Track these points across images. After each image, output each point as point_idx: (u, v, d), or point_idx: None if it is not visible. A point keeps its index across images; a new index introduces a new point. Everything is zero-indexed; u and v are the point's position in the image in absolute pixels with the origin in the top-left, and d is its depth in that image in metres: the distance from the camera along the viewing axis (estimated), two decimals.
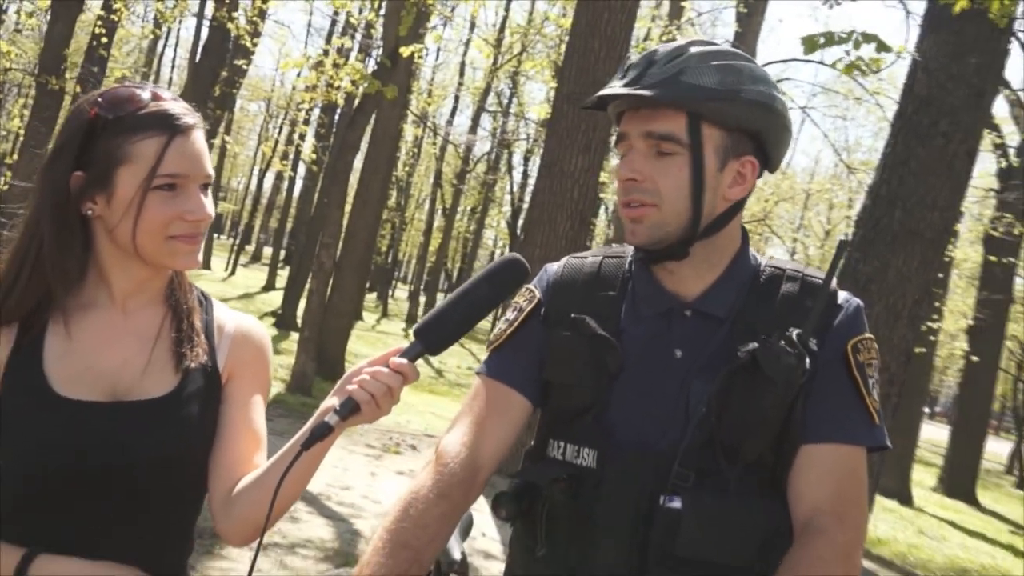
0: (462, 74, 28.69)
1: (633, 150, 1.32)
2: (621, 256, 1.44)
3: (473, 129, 28.35)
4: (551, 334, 1.39)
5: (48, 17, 12.26)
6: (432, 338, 1.29)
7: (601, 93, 1.33)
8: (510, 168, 29.32)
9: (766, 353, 1.25)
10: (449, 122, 31.00)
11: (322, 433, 1.26)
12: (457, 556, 1.88)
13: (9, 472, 1.30)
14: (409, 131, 26.80)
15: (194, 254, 1.34)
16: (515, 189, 29.06)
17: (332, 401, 1.29)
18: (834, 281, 1.35)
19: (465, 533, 2.00)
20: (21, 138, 13.47)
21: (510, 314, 1.46)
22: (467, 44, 27.06)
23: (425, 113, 26.32)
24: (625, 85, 1.31)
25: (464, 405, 1.42)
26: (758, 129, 1.31)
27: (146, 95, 1.32)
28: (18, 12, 19.21)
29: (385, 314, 32.13)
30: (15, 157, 11.36)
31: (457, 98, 30.50)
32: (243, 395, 1.42)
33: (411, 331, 1.31)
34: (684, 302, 1.36)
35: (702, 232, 1.32)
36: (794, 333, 1.27)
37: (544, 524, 1.33)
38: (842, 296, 1.36)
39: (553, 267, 1.49)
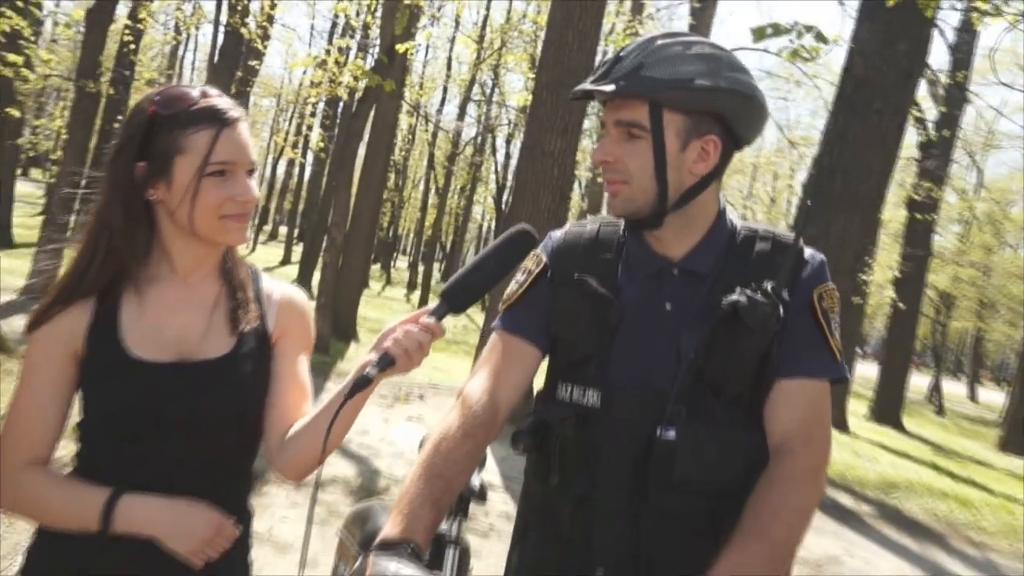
0: (449, 68, 28.30)
1: (608, 135, 1.35)
2: (616, 224, 1.46)
3: (461, 116, 28.11)
4: (557, 293, 1.41)
5: (82, 27, 11.99)
6: (457, 299, 1.30)
7: (576, 89, 1.36)
8: (494, 150, 29.11)
9: (745, 304, 1.27)
10: (439, 111, 30.70)
11: (362, 384, 1.27)
12: (476, 485, 1.92)
13: (95, 424, 1.32)
14: (404, 120, 26.51)
15: (243, 231, 1.36)
16: (499, 169, 28.88)
17: (370, 356, 1.30)
18: (783, 228, 1.39)
19: (480, 466, 2.04)
20: (63, 137, 13.25)
21: (520, 276, 1.47)
22: (453, 41, 26.68)
23: (418, 103, 26.02)
24: (595, 80, 1.33)
25: (483, 356, 1.44)
26: (718, 111, 1.31)
27: (196, 93, 1.33)
28: (55, 24, 18.82)
29: (388, 282, 32.07)
30: (59, 154, 11.17)
31: (445, 89, 30.15)
32: (290, 353, 1.44)
33: (438, 293, 1.31)
34: (672, 262, 1.38)
35: (674, 204, 1.34)
36: (768, 285, 1.30)
37: (556, 456, 1.36)
38: (807, 252, 1.38)
39: (557, 234, 1.50)
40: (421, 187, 35.02)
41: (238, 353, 1.36)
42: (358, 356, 10.55)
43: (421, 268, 30.43)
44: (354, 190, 12.44)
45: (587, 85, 1.34)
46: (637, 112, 1.30)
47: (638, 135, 1.31)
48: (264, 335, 1.41)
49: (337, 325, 11.32)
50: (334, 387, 8.33)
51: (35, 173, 36.14)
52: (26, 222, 18.55)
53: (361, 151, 13.84)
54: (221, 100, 1.34)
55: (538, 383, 1.51)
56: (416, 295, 26.93)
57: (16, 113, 12.76)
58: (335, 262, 10.50)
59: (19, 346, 6.73)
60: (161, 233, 1.36)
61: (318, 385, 8.49)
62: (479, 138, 29.16)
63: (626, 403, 1.31)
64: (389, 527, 1.16)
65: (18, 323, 8.00)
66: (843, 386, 4.65)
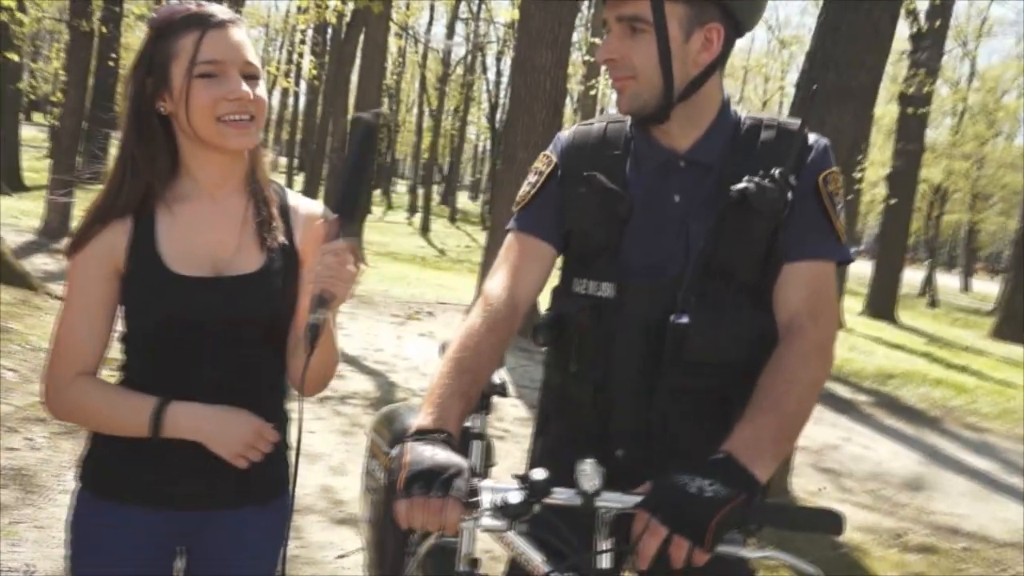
0: None
1: (611, 33, 1.33)
2: (622, 121, 1.46)
3: (450, 36, 27.38)
4: (567, 191, 1.43)
5: None
6: (348, 212, 1.24)
7: None
8: (484, 69, 28.50)
9: (754, 190, 1.29)
10: (427, 31, 29.89)
11: (316, 332, 1.21)
12: (497, 381, 1.99)
13: (138, 337, 1.37)
14: (393, 43, 25.83)
15: (245, 136, 1.33)
16: (491, 88, 28.31)
17: (305, 303, 1.26)
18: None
19: (500, 364, 2.10)
20: (61, 78, 12.98)
21: (531, 177, 1.48)
22: None
23: (406, 24, 25.28)
24: None
25: (500, 257, 1.46)
26: None
27: (189, 5, 1.34)
28: None
29: (390, 207, 31.88)
30: (59, 96, 10.98)
31: (432, 8, 29.28)
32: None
33: (329, 215, 1.24)
34: (678, 154, 1.39)
35: (680, 95, 1.33)
36: (776, 172, 1.31)
37: (574, 346, 1.41)
38: (811, 137, 1.39)
39: (564, 134, 1.50)
40: (415, 111, 34.40)
41: (269, 268, 1.38)
42: (365, 280, 10.63)
43: (420, 191, 30.24)
44: (349, 116, 12.27)
45: None
46: (638, 6, 1.28)
47: (641, 29, 1.29)
48: (291, 250, 1.43)
49: None
50: (346, 309, 8.34)
51: (38, 117, 35.50)
52: (34, 165, 18.35)
53: (354, 78, 13.55)
54: (211, 7, 1.34)
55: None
56: (417, 218, 26.81)
57: (15, 57, 12.45)
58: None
59: (43, 282, 6.79)
60: (181, 149, 1.37)
61: None
62: (469, 57, 28.46)
63: (638, 293, 1.35)
64: (422, 418, 1.22)
65: (39, 261, 8.04)
66: (838, 282, 4.66)
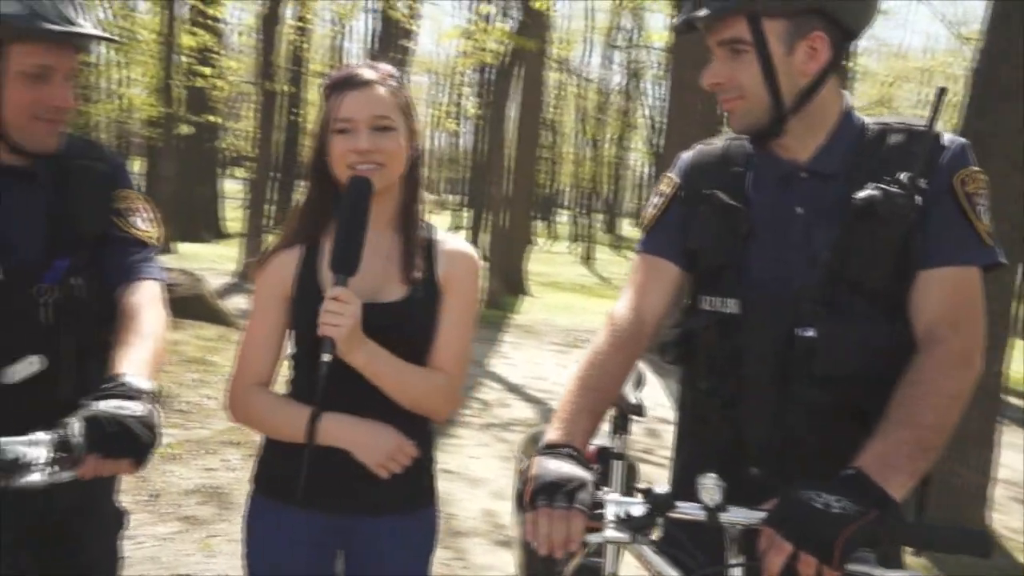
0: (592, 18, 27.87)
1: (714, 58, 1.35)
2: (743, 138, 1.45)
3: (606, 65, 27.63)
4: (689, 210, 1.44)
5: (256, 33, 12.92)
6: (345, 265, 1.41)
7: (675, 23, 1.37)
8: (642, 94, 28.41)
9: (879, 197, 1.25)
10: (584, 63, 30.34)
11: (325, 372, 1.39)
12: (633, 401, 2.00)
13: (302, 354, 1.55)
14: (552, 77, 26.45)
15: (374, 174, 1.47)
16: (649, 113, 28.16)
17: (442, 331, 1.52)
18: (939, 125, 1.32)
19: (639, 385, 2.11)
20: (254, 135, 14.42)
21: (655, 199, 1.51)
22: None
23: (563, 59, 25.81)
24: (692, 8, 1.33)
25: (628, 279, 1.50)
26: (817, 7, 1.27)
27: (350, 68, 1.52)
28: (237, 34, 20.41)
29: (553, 237, 32.38)
30: (256, 151, 12.24)
31: (587, 40, 29.73)
32: (452, 302, 1.54)
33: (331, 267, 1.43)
34: (798, 166, 1.37)
35: (792, 107, 1.32)
36: (903, 176, 1.27)
37: (702, 363, 1.41)
38: (947, 138, 1.32)
39: (686, 155, 1.52)
40: (574, 141, 34.86)
41: (411, 298, 1.50)
42: (529, 310, 10.91)
43: (582, 221, 30.49)
44: (510, 151, 12.67)
45: (682, 16, 1.35)
46: (736, 28, 1.29)
47: (742, 49, 1.30)
48: (433, 283, 1.53)
49: (506, 281, 11.68)
50: (510, 339, 8.58)
51: (237, 171, 39.49)
52: (233, 215, 20.42)
53: (515, 113, 14.02)
54: (359, 69, 1.51)
55: None
56: (580, 246, 27.01)
57: (214, 120, 14.07)
58: (498, 221, 10.79)
59: (239, 319, 7.53)
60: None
61: (492, 337, 8.86)
62: (626, 84, 28.51)
63: (763, 306, 1.33)
64: (550, 434, 1.28)
65: (236, 301, 8.93)
66: (1011, 286, 4.21)
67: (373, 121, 1.47)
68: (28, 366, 1.43)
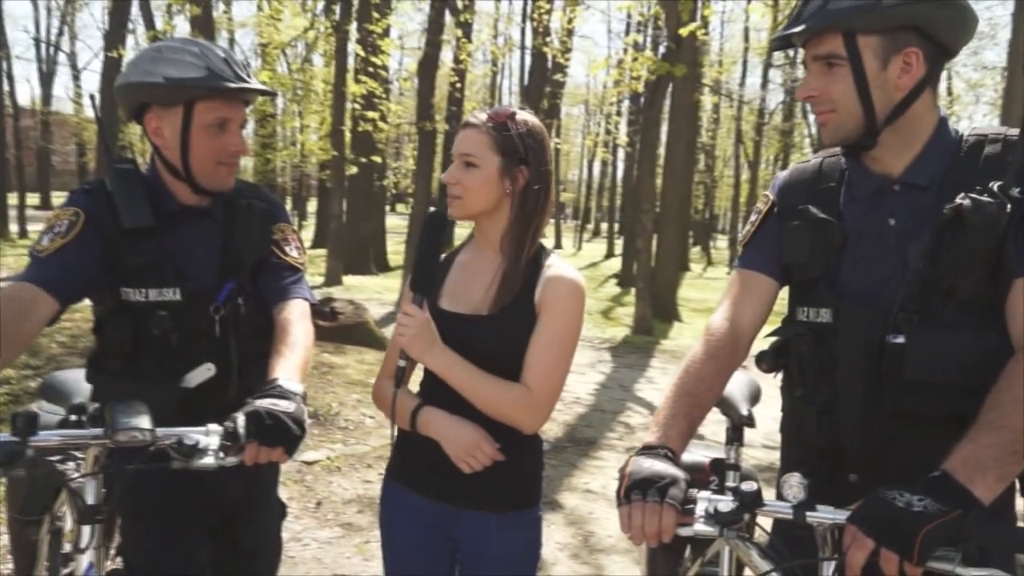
0: (747, 38, 27.21)
1: (809, 72, 1.40)
2: (837, 154, 1.50)
3: (764, 85, 26.83)
4: (784, 225, 1.49)
5: (416, 78, 13.73)
6: (422, 286, 1.60)
7: (772, 39, 1.43)
8: (804, 112, 27.24)
9: (968, 206, 1.26)
10: (741, 84, 29.60)
11: (400, 375, 1.65)
12: (744, 412, 2.03)
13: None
14: (708, 100, 26.02)
15: (454, 209, 1.67)
16: (812, 132, 26.95)
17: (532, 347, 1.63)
18: None
19: (754, 399, 2.13)
20: (415, 172, 15.28)
21: (752, 217, 1.57)
22: (747, 12, 25.61)
23: (718, 82, 25.36)
24: (788, 26, 1.39)
25: (724, 292, 1.56)
26: (913, 23, 1.30)
27: (497, 109, 1.70)
28: (397, 79, 21.83)
29: (710, 263, 31.58)
30: (412, 187, 13.02)
31: (745, 62, 29.02)
32: (544, 322, 1.63)
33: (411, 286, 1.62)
34: (891, 179, 1.39)
35: (885, 120, 1.35)
36: (995, 185, 1.27)
37: (798, 371, 1.45)
38: None
39: (782, 174, 1.58)
40: (732, 164, 33.97)
41: (501, 315, 1.62)
42: (679, 336, 10.74)
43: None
44: (661, 177, 12.62)
45: (779, 32, 1.42)
46: (831, 44, 1.34)
47: (836, 64, 1.34)
48: (530, 304, 1.63)
49: (658, 307, 11.57)
50: (657, 364, 8.50)
51: (400, 207, 41.58)
52: (397, 248, 21.60)
53: (665, 139, 13.98)
54: (473, 114, 1.69)
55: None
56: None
57: (379, 160, 15.07)
58: (648, 247, 10.77)
59: None
60: None
61: (642, 363, 8.82)
62: (786, 103, 27.51)
63: (856, 315, 1.36)
64: (648, 436, 1.37)
65: None
66: None
67: (462, 157, 1.65)
68: (204, 372, 1.71)
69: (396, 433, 1.77)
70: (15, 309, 1.52)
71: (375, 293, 12.83)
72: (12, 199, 20.49)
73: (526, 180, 1.65)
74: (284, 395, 1.50)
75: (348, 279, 14.32)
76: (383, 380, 1.77)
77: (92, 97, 1.92)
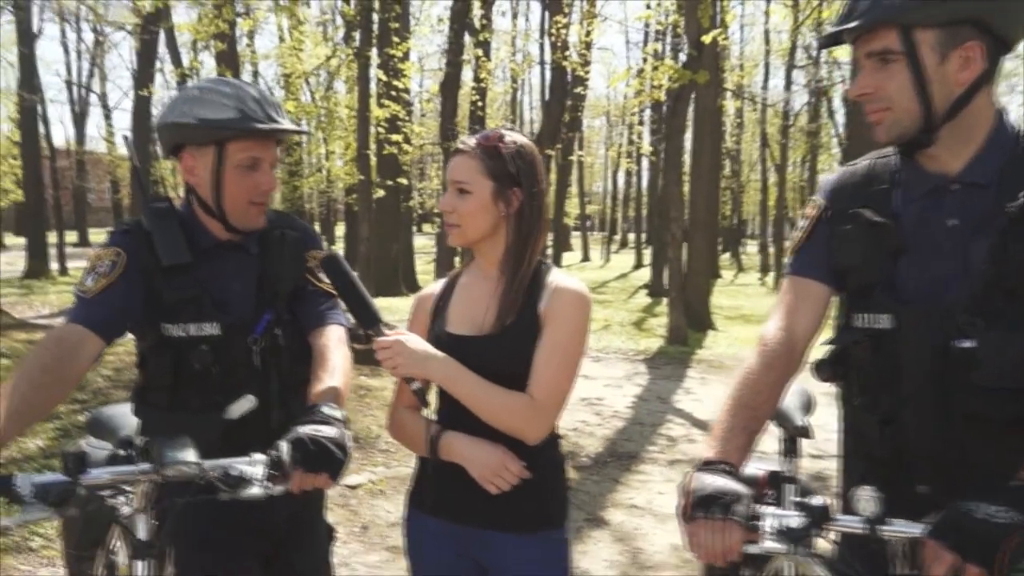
0: (768, 41, 27.03)
1: (862, 70, 1.35)
2: (888, 155, 1.45)
3: (787, 87, 26.61)
4: (835, 230, 1.45)
5: (438, 99, 13.85)
6: (370, 320, 1.62)
7: (822, 36, 1.39)
8: (831, 112, 26.95)
9: None
10: (764, 87, 29.40)
11: (423, 397, 1.66)
12: (800, 423, 1.97)
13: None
14: (731, 105, 25.89)
15: (453, 237, 1.70)
16: (840, 131, 26.64)
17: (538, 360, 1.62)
18: None
19: (807, 408, 2.07)
20: (439, 192, 15.34)
21: (800, 222, 1.53)
22: (767, 14, 25.43)
23: (740, 86, 25.21)
24: (839, 22, 1.34)
25: (777, 300, 1.52)
26: (972, 17, 1.25)
27: (490, 131, 1.70)
28: (420, 102, 22.07)
29: (740, 269, 31.27)
30: (437, 207, 13.12)
31: (767, 64, 28.82)
32: (549, 334, 1.63)
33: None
34: (948, 178, 1.34)
35: (944, 117, 1.30)
36: None
37: (857, 379, 1.40)
38: None
39: (830, 176, 1.54)
40: (758, 169, 33.70)
41: (504, 333, 1.63)
42: (714, 344, 10.62)
43: (772, 250, 29.19)
44: (687, 185, 12.54)
45: (829, 29, 1.37)
46: (886, 39, 1.30)
47: (892, 59, 1.30)
48: (533, 317, 1.63)
49: (691, 316, 11.46)
50: (695, 375, 8.40)
51: (427, 227, 41.82)
52: (425, 268, 21.72)
53: (689, 146, 13.91)
54: (461, 140, 1.71)
55: None
56: (770, 277, 25.86)
57: (404, 182, 15.17)
58: (678, 255, 10.68)
59: None
60: None
61: (678, 374, 8.73)
62: (811, 104, 27.24)
63: (918, 320, 1.31)
64: (706, 451, 1.33)
65: None
66: None
67: (455, 185, 1.66)
68: (246, 403, 1.71)
69: (417, 460, 1.77)
70: (65, 350, 1.55)
71: (406, 313, 12.84)
72: (51, 237, 21.05)
73: (520, 202, 1.66)
74: (326, 420, 1.52)
75: (378, 300, 14.36)
76: (397, 411, 1.76)
77: (126, 138, 1.94)
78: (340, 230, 28.64)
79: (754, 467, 2.01)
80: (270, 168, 1.77)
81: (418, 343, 1.62)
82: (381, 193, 14.59)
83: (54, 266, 20.32)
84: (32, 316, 12.23)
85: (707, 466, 1.28)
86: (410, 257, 19.71)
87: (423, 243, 30.13)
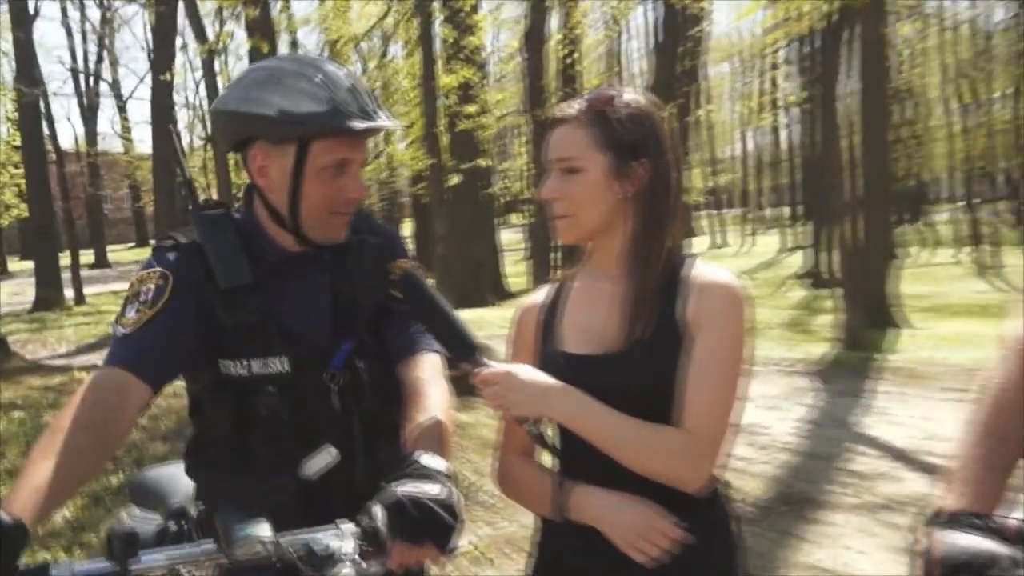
0: None
1: None
2: None
3: None
4: None
5: (522, 56, 13.92)
6: (465, 349, 1.62)
7: None
8: None
9: None
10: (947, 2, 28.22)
11: (535, 437, 1.64)
12: None
13: None
14: (904, 30, 24.96)
15: (560, 231, 1.68)
16: None
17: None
18: None
19: None
20: (529, 172, 15.41)
21: None
22: None
23: (915, 4, 24.27)
24: None
25: None
26: None
27: (596, 93, 1.68)
28: (498, 62, 22.28)
29: (930, 244, 30.09)
30: (530, 191, 13.16)
31: None
32: (701, 345, 1.57)
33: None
34: None
35: None
36: None
37: None
38: None
39: None
40: (944, 110, 32.35)
41: (643, 344, 1.59)
42: (907, 346, 10.23)
43: (971, 216, 27.97)
44: (851, 140, 12.13)
45: None
46: None
47: None
48: (672, 325, 1.60)
49: (870, 310, 11.09)
50: (884, 388, 8.08)
51: (514, 218, 42.18)
52: (516, 269, 21.86)
53: (851, 89, 13.45)
54: (559, 107, 1.69)
55: None
56: (971, 252, 24.75)
57: (484, 163, 15.31)
58: (847, 232, 10.34)
59: None
60: None
61: (860, 388, 8.44)
62: (1021, 16, 25.92)
63: None
64: (951, 498, 1.24)
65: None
66: None
67: (558, 164, 1.64)
68: (326, 456, 1.70)
69: (538, 521, 1.75)
70: (105, 404, 1.55)
71: (498, 328, 12.92)
72: (64, 259, 21.81)
73: (645, 177, 1.63)
74: (428, 475, 1.48)
75: (463, 314, 14.51)
76: (507, 459, 1.76)
77: (172, 128, 1.97)
78: (407, 228, 29.22)
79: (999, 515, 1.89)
80: (358, 172, 1.76)
81: (532, 374, 1.59)
82: (456, 179, 14.78)
83: (69, 293, 21.12)
84: (47, 356, 12.97)
85: (953, 520, 1.21)
86: (496, 257, 19.88)
87: (511, 238, 30.36)
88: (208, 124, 21.68)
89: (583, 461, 1.61)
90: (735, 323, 1.60)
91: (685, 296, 1.61)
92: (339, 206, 1.74)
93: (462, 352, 1.62)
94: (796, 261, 23.61)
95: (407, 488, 1.45)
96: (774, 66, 26.75)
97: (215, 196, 1.99)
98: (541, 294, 1.80)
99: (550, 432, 1.68)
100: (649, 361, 1.58)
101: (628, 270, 1.65)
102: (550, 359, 1.66)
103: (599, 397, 1.57)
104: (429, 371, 1.77)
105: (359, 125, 1.66)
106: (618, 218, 1.65)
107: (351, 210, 1.77)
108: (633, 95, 1.66)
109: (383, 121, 1.72)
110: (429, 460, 1.51)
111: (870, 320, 11.14)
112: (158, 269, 1.71)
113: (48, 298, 20.11)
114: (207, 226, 1.75)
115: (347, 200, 1.74)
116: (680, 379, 1.57)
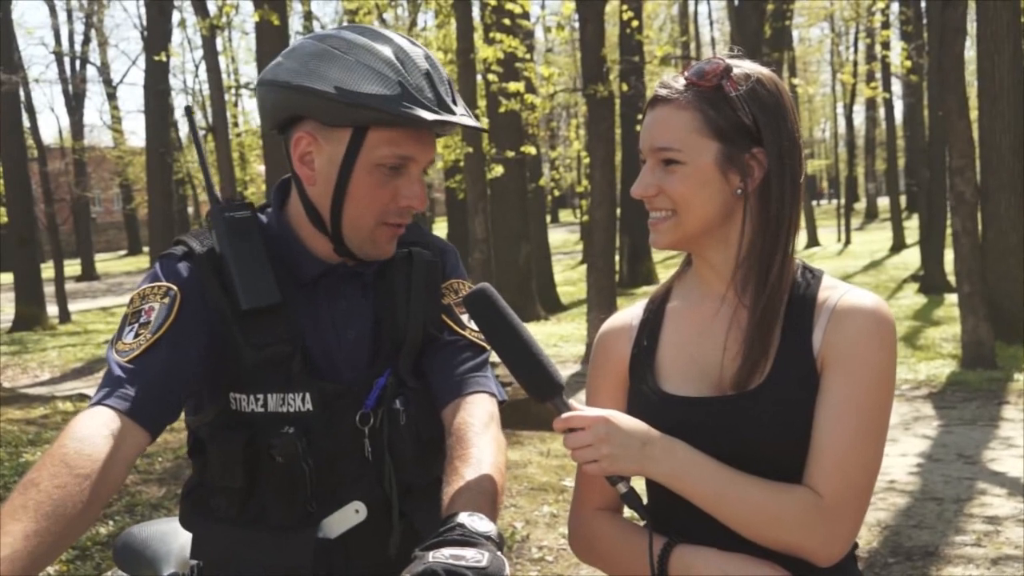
0: None
1: None
2: None
3: None
4: None
5: (575, 23, 13.89)
6: (547, 388, 1.54)
7: None
8: None
9: None
10: None
11: (627, 502, 1.57)
12: None
13: None
14: None
15: (656, 235, 1.64)
16: None
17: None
18: None
19: None
20: (584, 161, 15.38)
21: None
22: None
23: None
24: None
25: None
26: None
27: (692, 69, 1.64)
28: (547, 30, 22.26)
29: None
30: (585, 184, 13.11)
31: None
32: (835, 383, 1.52)
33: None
34: None
35: None
36: None
37: None
38: None
39: None
40: None
41: (766, 385, 1.54)
42: None
43: None
44: (975, 114, 11.93)
45: None
46: None
47: None
48: (804, 359, 1.55)
49: (998, 320, 10.90)
50: (1020, 415, 7.91)
51: (564, 215, 42.15)
52: (569, 276, 21.80)
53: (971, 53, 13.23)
54: (661, 85, 1.65)
55: None
56: None
57: (531, 151, 15.29)
58: (970, 227, 10.18)
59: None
60: None
61: (989, 414, 8.31)
62: None
63: None
64: None
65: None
66: None
67: (656, 155, 1.60)
68: (352, 515, 1.68)
69: None
70: (93, 454, 1.46)
71: (551, 346, 12.93)
72: (46, 271, 22.29)
73: (765, 169, 1.57)
74: (470, 541, 1.43)
75: None
76: (585, 516, 1.72)
77: (188, 109, 1.96)
78: (441, 228, 29.32)
79: None
80: (421, 175, 1.71)
81: (630, 423, 1.54)
82: (499, 171, 14.79)
83: (52, 311, 21.59)
84: (28, 384, 13.20)
85: None
86: (547, 262, 19.84)
87: (562, 239, 30.29)
88: (209, 112, 21.93)
89: (679, 522, 1.57)
90: (882, 359, 1.54)
91: (822, 322, 1.57)
92: (390, 214, 1.69)
93: (546, 392, 1.56)
94: (907, 261, 23.31)
95: (445, 554, 1.41)
96: (885, 25, 26.32)
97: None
98: (630, 314, 1.75)
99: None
100: (774, 407, 1.54)
101: (744, 287, 1.60)
102: (647, 401, 1.62)
103: (707, 450, 1.53)
104: (480, 416, 1.71)
105: (431, 116, 1.60)
106: (730, 220, 1.60)
107: (405, 221, 1.72)
108: (753, 66, 1.60)
109: (462, 117, 1.66)
110: (474, 522, 1.46)
111: (1002, 332, 10.95)
112: (164, 284, 1.67)
113: (29, 316, 20.52)
114: (232, 232, 1.70)
115: (401, 208, 1.69)
116: (813, 429, 1.52)
